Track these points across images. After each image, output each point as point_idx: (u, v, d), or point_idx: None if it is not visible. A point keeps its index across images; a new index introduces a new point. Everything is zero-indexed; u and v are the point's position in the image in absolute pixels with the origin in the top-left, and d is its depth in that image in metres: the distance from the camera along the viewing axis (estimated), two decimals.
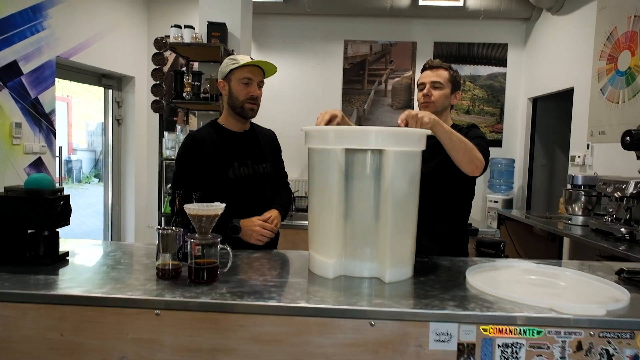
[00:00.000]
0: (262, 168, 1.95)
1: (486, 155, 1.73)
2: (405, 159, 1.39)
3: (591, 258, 2.87)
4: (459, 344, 1.13)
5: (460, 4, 4.80)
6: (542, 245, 3.71)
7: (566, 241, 3.81)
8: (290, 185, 2.19)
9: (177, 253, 1.40)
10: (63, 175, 3.96)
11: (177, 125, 3.93)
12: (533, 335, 1.12)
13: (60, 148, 3.77)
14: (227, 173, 1.85)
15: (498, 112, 5.26)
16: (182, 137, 3.46)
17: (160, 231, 1.37)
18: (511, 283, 1.39)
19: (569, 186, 3.20)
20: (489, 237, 2.72)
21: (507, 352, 1.12)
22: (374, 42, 5.27)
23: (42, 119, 3.52)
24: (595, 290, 1.33)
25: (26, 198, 1.45)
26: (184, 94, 3.51)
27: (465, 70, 5.22)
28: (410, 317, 1.14)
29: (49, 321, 1.20)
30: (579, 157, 3.90)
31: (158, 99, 3.48)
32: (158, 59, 3.48)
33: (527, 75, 5.12)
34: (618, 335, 1.11)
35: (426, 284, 1.38)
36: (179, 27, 3.49)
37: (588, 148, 3.80)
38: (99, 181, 5.14)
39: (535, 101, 5.04)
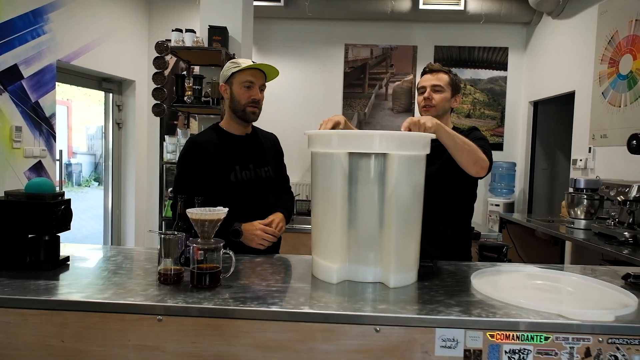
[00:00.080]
0: (264, 172, 1.94)
1: (490, 155, 1.73)
2: (410, 163, 1.37)
3: (594, 262, 2.85)
4: (465, 350, 1.12)
5: (461, 8, 4.80)
6: (544, 249, 3.69)
7: (568, 245, 3.79)
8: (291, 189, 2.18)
9: (179, 258, 1.39)
10: (63, 179, 3.94)
11: (177, 129, 3.92)
12: (541, 341, 1.10)
13: (61, 152, 3.76)
14: (228, 177, 1.84)
15: (499, 115, 5.25)
16: (183, 141, 3.45)
17: (162, 236, 1.35)
18: (517, 288, 1.38)
19: (571, 190, 3.19)
20: (491, 241, 2.71)
21: (514, 358, 1.11)
22: (375, 46, 5.27)
23: (43, 123, 3.51)
24: (602, 296, 1.31)
25: (27, 202, 1.44)
26: (185, 98, 3.50)
27: (466, 74, 5.22)
28: (416, 323, 1.13)
29: (49, 327, 1.18)
30: (581, 160, 3.89)
31: (159, 102, 3.47)
32: (159, 62, 3.48)
33: (528, 79, 5.11)
34: (627, 342, 1.09)
35: (431, 289, 1.36)
36: (180, 31, 3.49)
37: (590, 151, 3.79)
38: (98, 185, 5.13)
39: (536, 105, 5.03)
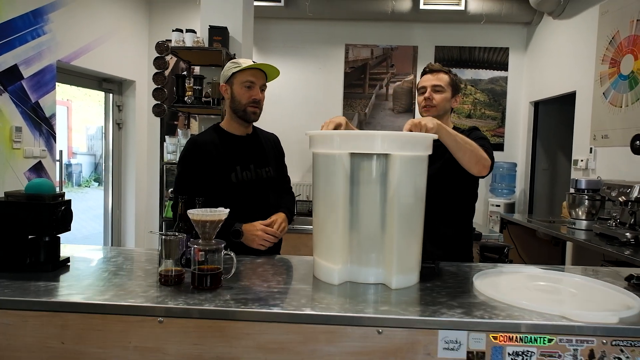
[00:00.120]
0: (265, 172, 1.93)
1: (491, 154, 1.73)
2: (412, 164, 1.37)
3: (595, 263, 2.84)
4: (468, 352, 1.11)
5: (462, 8, 4.80)
6: (545, 249, 3.69)
7: (569, 246, 3.79)
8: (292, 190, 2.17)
9: (180, 259, 1.38)
10: (63, 179, 3.94)
11: (178, 130, 3.92)
12: (544, 343, 1.09)
13: (61, 152, 3.75)
14: (229, 177, 1.83)
15: (499, 116, 5.25)
16: (183, 142, 3.45)
17: (163, 237, 1.35)
18: (520, 289, 1.37)
19: (572, 190, 3.18)
20: (492, 242, 2.70)
21: None
22: (375, 46, 5.26)
23: (43, 123, 3.50)
24: (605, 297, 1.31)
25: (27, 203, 1.43)
26: (186, 98, 3.49)
27: (467, 74, 5.22)
28: (419, 325, 1.12)
29: (50, 329, 1.18)
30: (582, 161, 3.89)
31: (159, 103, 3.47)
32: (160, 62, 3.47)
33: (529, 79, 5.11)
34: (631, 344, 1.09)
35: (433, 290, 1.36)
36: (181, 31, 3.49)
37: (591, 152, 3.78)
38: (98, 185, 5.12)
39: (537, 105, 5.03)
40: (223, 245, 1.33)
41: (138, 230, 4.93)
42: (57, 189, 1.56)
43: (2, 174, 3.15)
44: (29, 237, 1.44)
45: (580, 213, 3.07)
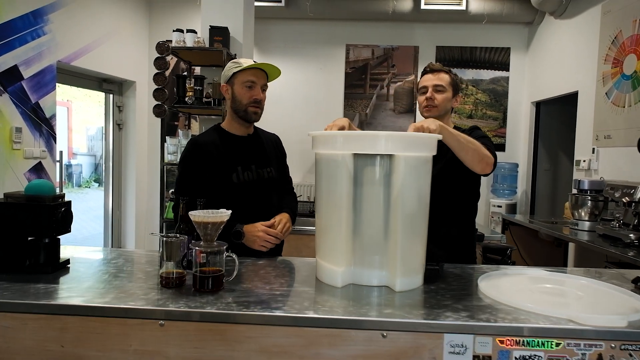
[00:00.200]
0: (267, 172, 1.91)
1: (493, 152, 1.73)
2: (417, 165, 1.35)
3: (598, 264, 2.83)
4: (474, 356, 1.09)
5: (463, 8, 4.78)
6: (547, 250, 3.67)
7: (572, 247, 3.77)
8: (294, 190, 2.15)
9: (182, 261, 1.37)
10: (63, 180, 3.92)
11: (178, 130, 3.90)
12: (552, 347, 1.08)
13: (61, 152, 3.74)
14: (230, 178, 1.81)
15: (501, 116, 5.23)
16: (184, 142, 3.43)
17: (164, 238, 1.33)
18: (525, 292, 1.35)
19: (574, 191, 3.16)
20: (495, 243, 2.69)
21: None
22: (376, 46, 5.25)
23: (43, 124, 3.49)
24: (613, 300, 1.29)
25: (27, 205, 1.42)
26: (186, 99, 3.48)
27: (468, 74, 5.20)
28: (424, 328, 1.10)
29: (49, 332, 1.16)
30: (584, 161, 3.87)
31: (160, 103, 3.45)
32: (160, 63, 3.45)
33: (530, 80, 5.09)
34: None
35: (437, 292, 1.34)
36: (181, 31, 3.47)
37: (593, 152, 3.76)
38: (99, 186, 5.11)
39: (539, 105, 5.01)
40: (225, 247, 1.31)
41: (138, 232, 4.92)
42: (57, 190, 1.54)
43: (2, 175, 3.14)
44: (29, 238, 1.43)
45: (583, 214, 3.05)
